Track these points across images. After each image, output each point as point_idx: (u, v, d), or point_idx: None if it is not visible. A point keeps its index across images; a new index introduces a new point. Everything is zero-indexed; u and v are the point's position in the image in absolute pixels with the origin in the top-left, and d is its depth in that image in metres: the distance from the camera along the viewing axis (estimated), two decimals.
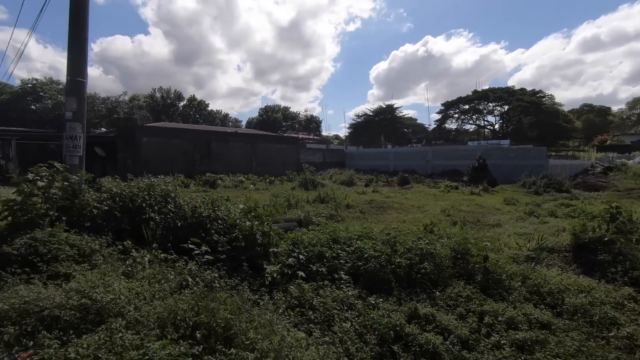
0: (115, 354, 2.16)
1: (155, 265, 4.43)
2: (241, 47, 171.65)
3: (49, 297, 3.19)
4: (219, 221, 5.91)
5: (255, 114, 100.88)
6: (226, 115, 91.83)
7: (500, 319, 4.16)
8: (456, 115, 66.49)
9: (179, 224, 5.89)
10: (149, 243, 5.39)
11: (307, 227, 7.34)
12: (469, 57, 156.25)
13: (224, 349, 2.37)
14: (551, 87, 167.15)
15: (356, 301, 4.17)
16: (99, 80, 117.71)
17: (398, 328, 3.70)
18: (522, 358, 3.55)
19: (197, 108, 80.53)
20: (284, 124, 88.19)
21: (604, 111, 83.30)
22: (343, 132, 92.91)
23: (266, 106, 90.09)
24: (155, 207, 6.07)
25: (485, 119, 64.76)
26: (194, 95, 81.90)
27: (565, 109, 67.14)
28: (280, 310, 3.60)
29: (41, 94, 47.65)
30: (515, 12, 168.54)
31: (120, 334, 2.39)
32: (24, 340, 2.79)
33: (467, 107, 63.66)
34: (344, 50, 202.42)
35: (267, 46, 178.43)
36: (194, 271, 4.21)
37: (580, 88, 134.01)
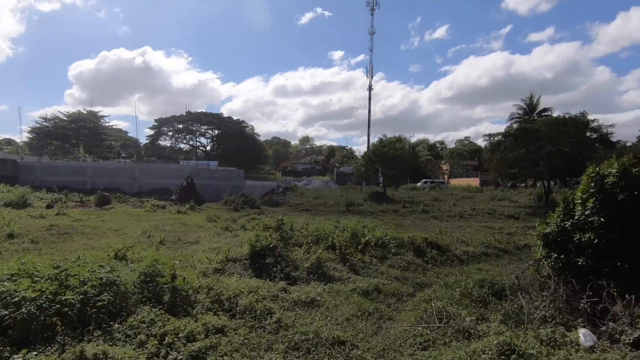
0: None
1: None
2: None
3: None
4: None
5: None
6: None
7: (180, 335, 4.31)
8: (170, 133, 65.87)
9: None
10: None
11: None
12: (188, 79, 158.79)
13: None
14: (254, 119, 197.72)
15: None
16: None
17: None
18: None
19: None
20: None
21: (287, 144, 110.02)
22: (22, 137, 70.55)
23: None
24: None
25: (199, 140, 67.94)
26: None
27: (262, 139, 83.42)
28: None
29: None
30: (230, 49, 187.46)
31: None
32: None
33: (181, 126, 64.47)
34: (30, 33, 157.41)
35: None
36: None
37: (273, 123, 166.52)
